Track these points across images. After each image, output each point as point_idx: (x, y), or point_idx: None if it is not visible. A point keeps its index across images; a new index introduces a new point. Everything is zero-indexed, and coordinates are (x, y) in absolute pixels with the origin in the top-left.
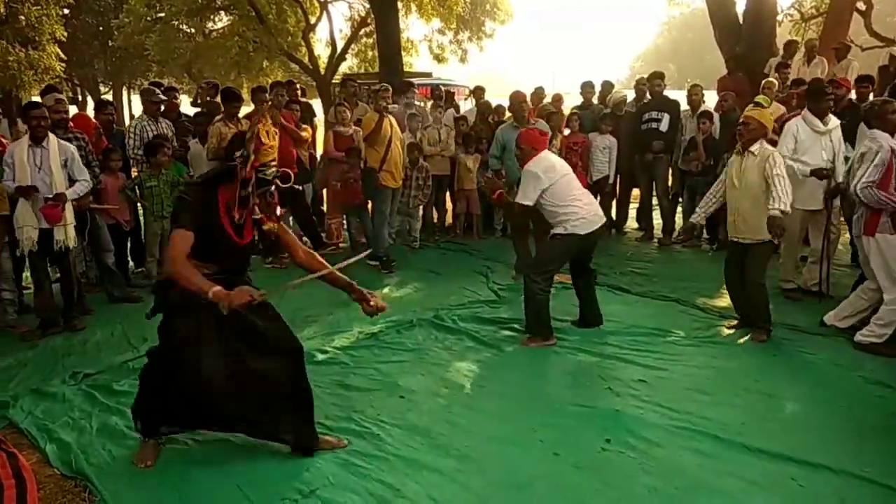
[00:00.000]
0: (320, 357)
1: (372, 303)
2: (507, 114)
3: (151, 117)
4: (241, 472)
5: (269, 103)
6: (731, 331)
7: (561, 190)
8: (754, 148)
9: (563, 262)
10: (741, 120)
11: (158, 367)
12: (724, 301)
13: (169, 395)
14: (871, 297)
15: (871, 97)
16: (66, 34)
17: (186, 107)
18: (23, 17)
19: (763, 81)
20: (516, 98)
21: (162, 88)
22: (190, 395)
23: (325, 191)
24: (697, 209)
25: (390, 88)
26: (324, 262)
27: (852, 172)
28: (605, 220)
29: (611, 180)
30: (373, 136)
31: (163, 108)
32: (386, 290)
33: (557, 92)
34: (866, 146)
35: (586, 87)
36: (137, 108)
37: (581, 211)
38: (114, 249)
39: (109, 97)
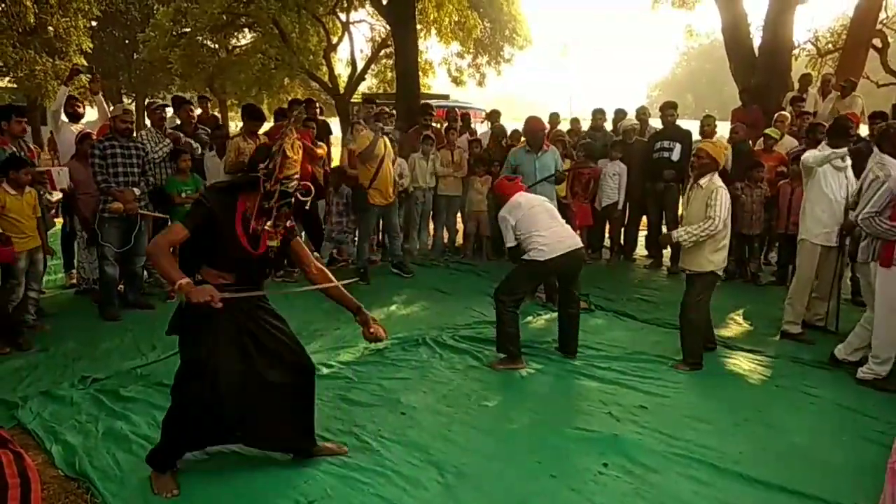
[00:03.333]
0: (325, 371)
1: (372, 329)
2: (522, 138)
3: (158, 129)
4: (241, 483)
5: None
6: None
7: (524, 223)
8: (703, 181)
9: (531, 286)
10: (694, 152)
11: (181, 390)
12: (730, 331)
13: (191, 421)
14: (873, 326)
15: None
16: (92, 45)
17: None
18: (51, 28)
19: (776, 114)
20: (533, 126)
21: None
22: (208, 411)
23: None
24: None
25: (392, 113)
26: (334, 279)
27: (861, 199)
28: (572, 248)
29: (620, 206)
30: (366, 153)
31: (170, 119)
32: (393, 307)
33: (575, 116)
34: (874, 174)
35: (597, 115)
36: None
37: (542, 240)
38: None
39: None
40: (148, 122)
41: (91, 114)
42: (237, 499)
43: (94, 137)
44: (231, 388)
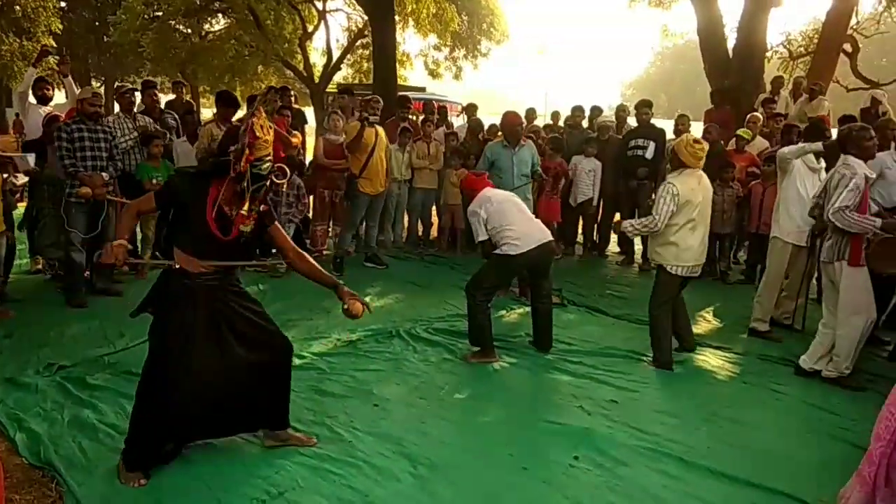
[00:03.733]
0: (297, 362)
1: (346, 306)
2: (499, 133)
3: (127, 113)
4: (210, 473)
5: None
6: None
7: (495, 217)
8: (670, 175)
9: (503, 281)
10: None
11: (151, 375)
12: (699, 328)
13: (159, 415)
14: (833, 327)
15: None
16: (61, 27)
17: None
18: (18, 8)
19: (748, 115)
20: (511, 120)
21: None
22: (177, 407)
23: (311, 197)
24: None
25: (380, 100)
26: (313, 262)
27: (826, 199)
28: (542, 242)
29: (594, 202)
30: (354, 143)
31: (138, 104)
32: (367, 299)
33: (556, 110)
34: (840, 173)
35: (576, 112)
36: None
37: (513, 234)
38: None
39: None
40: (116, 106)
41: (60, 97)
42: (206, 490)
43: (62, 120)
44: (202, 384)
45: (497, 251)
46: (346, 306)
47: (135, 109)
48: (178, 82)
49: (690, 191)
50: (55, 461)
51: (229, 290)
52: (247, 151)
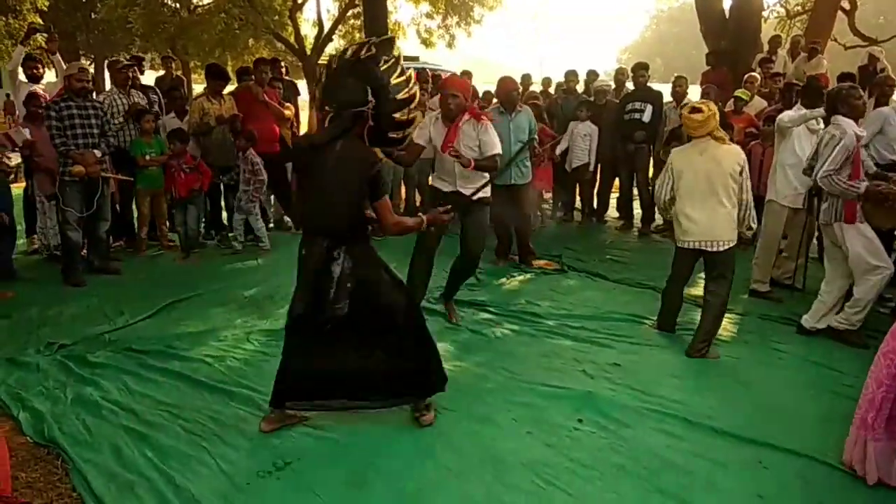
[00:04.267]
0: None
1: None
2: (494, 100)
3: (122, 89)
4: (216, 445)
5: (252, 79)
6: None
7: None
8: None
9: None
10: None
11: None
12: (698, 290)
13: (297, 362)
14: (837, 287)
15: None
16: (48, 3)
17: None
18: None
19: (746, 76)
20: (507, 85)
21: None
22: (314, 353)
23: None
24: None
25: None
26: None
27: (819, 161)
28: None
29: (591, 168)
30: None
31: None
32: None
33: (547, 76)
34: (830, 133)
35: (570, 76)
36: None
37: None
38: (109, 220)
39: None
40: (108, 83)
41: (51, 75)
42: (212, 459)
43: (46, 97)
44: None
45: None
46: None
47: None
48: (167, 57)
49: (687, 162)
50: (59, 439)
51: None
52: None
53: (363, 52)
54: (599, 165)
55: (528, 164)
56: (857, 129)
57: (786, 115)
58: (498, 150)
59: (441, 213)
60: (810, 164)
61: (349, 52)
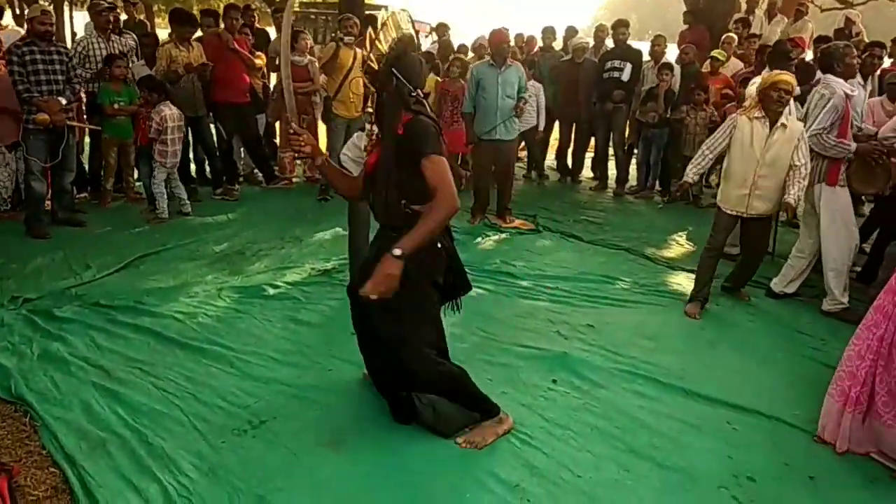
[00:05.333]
0: (272, 291)
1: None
2: (470, 54)
3: (102, 33)
4: (189, 403)
5: (222, 27)
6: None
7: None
8: (785, 120)
9: None
10: (778, 86)
11: None
12: (673, 252)
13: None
14: (808, 253)
15: None
16: None
17: None
18: None
19: (723, 36)
20: (497, 37)
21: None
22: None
23: (278, 123)
24: (690, 167)
25: (353, 19)
26: None
27: (808, 120)
28: None
29: (541, 129)
30: (329, 64)
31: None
32: (339, 229)
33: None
34: (819, 93)
35: (547, 32)
36: (80, 27)
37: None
38: (74, 171)
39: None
40: (69, 27)
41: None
42: (186, 417)
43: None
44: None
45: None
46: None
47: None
48: (129, 1)
49: (741, 128)
50: (27, 396)
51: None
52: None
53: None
54: (575, 125)
55: (517, 120)
56: (848, 87)
57: (754, 88)
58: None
59: None
60: (805, 114)
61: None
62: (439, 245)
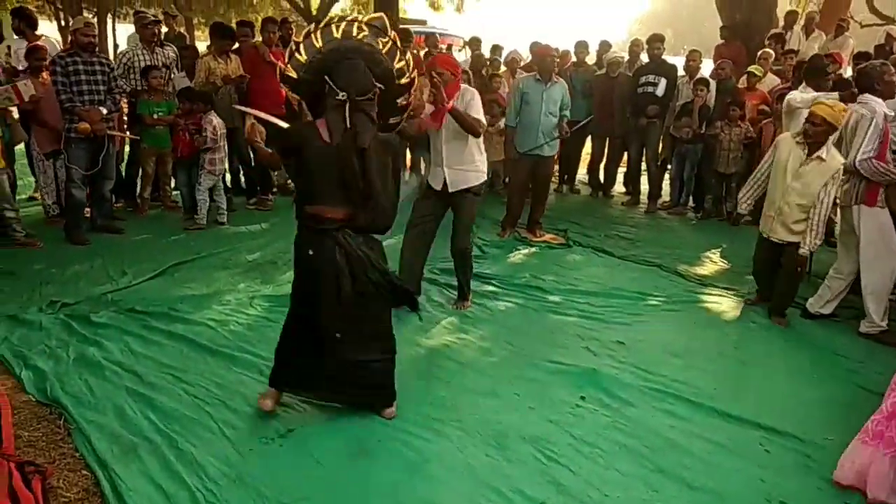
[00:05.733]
0: None
1: None
2: (503, 68)
3: (147, 45)
4: (219, 410)
5: (259, 40)
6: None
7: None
8: (823, 153)
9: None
10: (810, 118)
11: (290, 314)
12: (705, 269)
13: (290, 347)
14: (846, 273)
15: None
16: None
17: None
18: None
19: (759, 52)
20: (541, 51)
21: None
22: (305, 347)
23: None
24: (743, 196)
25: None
26: None
27: (844, 142)
28: None
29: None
30: None
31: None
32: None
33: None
34: (858, 114)
35: (580, 47)
36: (122, 39)
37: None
38: (114, 179)
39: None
40: (112, 38)
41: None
42: (217, 425)
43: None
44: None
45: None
46: None
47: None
48: (168, 13)
49: (781, 149)
50: (62, 399)
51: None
52: None
53: (355, 32)
54: (608, 139)
55: (557, 138)
56: (886, 107)
57: (797, 96)
58: (481, 116)
59: None
60: (839, 135)
61: (341, 31)
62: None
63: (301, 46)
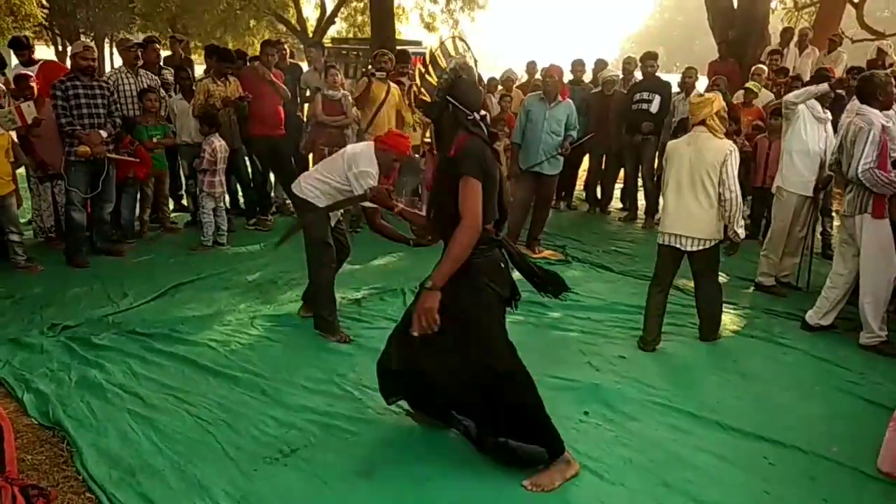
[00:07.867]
0: (302, 320)
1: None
2: (499, 87)
3: (130, 69)
4: (222, 430)
5: (258, 62)
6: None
7: None
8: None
9: None
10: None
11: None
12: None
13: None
14: (843, 283)
15: None
16: None
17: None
18: None
19: (753, 68)
20: (549, 73)
21: (142, 40)
22: (407, 373)
23: (311, 155)
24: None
25: (388, 54)
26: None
27: (844, 152)
28: None
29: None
30: (361, 98)
31: (142, 60)
32: (371, 258)
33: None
34: (857, 125)
35: (576, 65)
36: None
37: None
38: (113, 202)
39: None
40: (110, 62)
41: (49, 52)
42: (220, 445)
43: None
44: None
45: None
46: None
47: (139, 65)
48: (175, 38)
49: (676, 151)
50: (64, 421)
51: None
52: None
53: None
54: (605, 156)
55: (560, 158)
56: (883, 118)
57: (791, 94)
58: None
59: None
60: (836, 159)
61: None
62: (501, 265)
63: (430, 68)
